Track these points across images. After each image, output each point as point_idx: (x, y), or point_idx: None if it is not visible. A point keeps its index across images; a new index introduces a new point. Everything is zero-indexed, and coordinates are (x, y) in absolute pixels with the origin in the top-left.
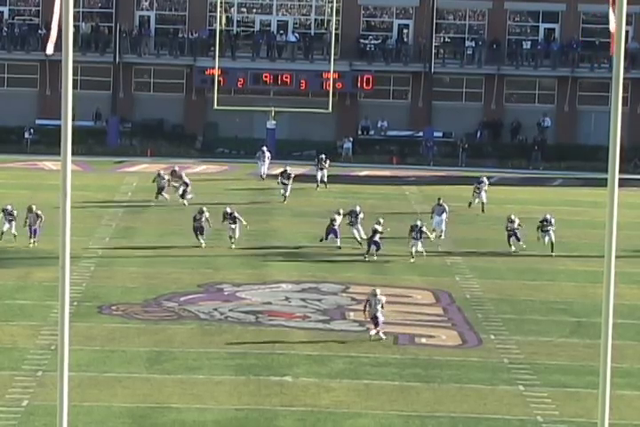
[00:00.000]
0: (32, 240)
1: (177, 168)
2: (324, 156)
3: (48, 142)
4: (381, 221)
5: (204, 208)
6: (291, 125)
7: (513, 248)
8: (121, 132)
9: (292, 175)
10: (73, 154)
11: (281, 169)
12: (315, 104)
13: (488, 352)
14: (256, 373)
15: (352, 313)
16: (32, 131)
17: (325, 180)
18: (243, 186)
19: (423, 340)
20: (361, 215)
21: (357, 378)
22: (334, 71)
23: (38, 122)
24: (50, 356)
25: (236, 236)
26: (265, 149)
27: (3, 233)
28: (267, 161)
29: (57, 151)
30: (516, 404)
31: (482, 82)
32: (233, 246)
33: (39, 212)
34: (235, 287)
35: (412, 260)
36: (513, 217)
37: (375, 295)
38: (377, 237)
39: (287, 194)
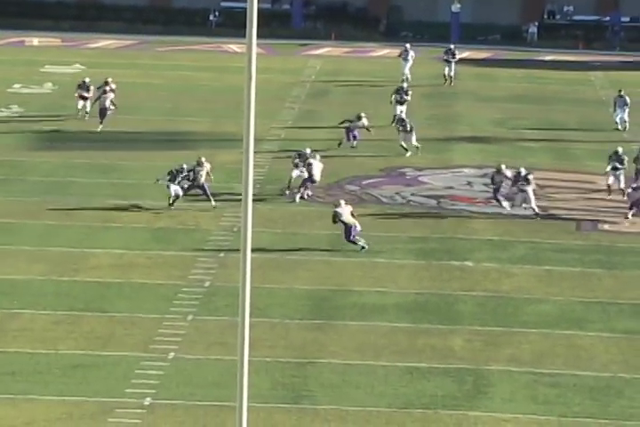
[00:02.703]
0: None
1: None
2: (452, 46)
3: (232, 25)
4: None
5: None
6: (475, 9)
7: None
8: (305, 14)
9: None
10: (257, 37)
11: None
12: None
13: None
14: (437, 257)
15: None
16: (217, 13)
17: (453, 74)
18: (425, 70)
19: (606, 226)
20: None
21: (539, 264)
22: None
23: (223, 4)
24: (232, 237)
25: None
26: (408, 46)
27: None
28: (410, 60)
29: (241, 34)
30: None
31: None
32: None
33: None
34: (417, 172)
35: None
36: None
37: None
38: None
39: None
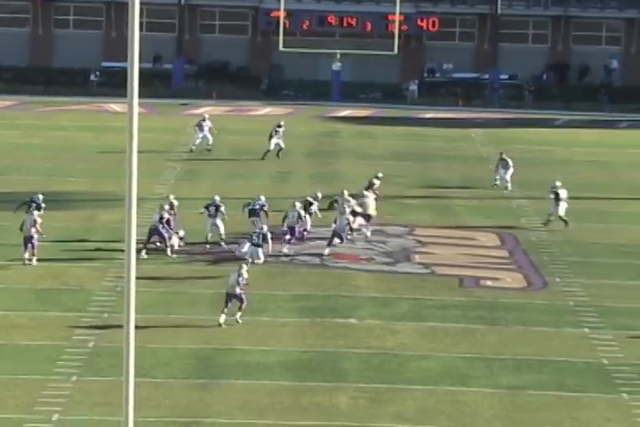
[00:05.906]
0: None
1: None
2: (282, 123)
3: (113, 84)
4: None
5: None
6: (356, 68)
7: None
8: (186, 74)
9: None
10: (138, 96)
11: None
12: (380, 46)
13: (553, 295)
14: (321, 315)
15: (417, 256)
16: (97, 73)
17: (282, 147)
18: (308, 128)
19: (488, 282)
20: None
21: (422, 320)
22: (400, 13)
23: (104, 64)
24: (115, 298)
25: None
26: (207, 116)
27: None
28: (206, 130)
29: (122, 93)
30: (581, 346)
31: (548, 24)
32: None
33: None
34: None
35: None
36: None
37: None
38: None
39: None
